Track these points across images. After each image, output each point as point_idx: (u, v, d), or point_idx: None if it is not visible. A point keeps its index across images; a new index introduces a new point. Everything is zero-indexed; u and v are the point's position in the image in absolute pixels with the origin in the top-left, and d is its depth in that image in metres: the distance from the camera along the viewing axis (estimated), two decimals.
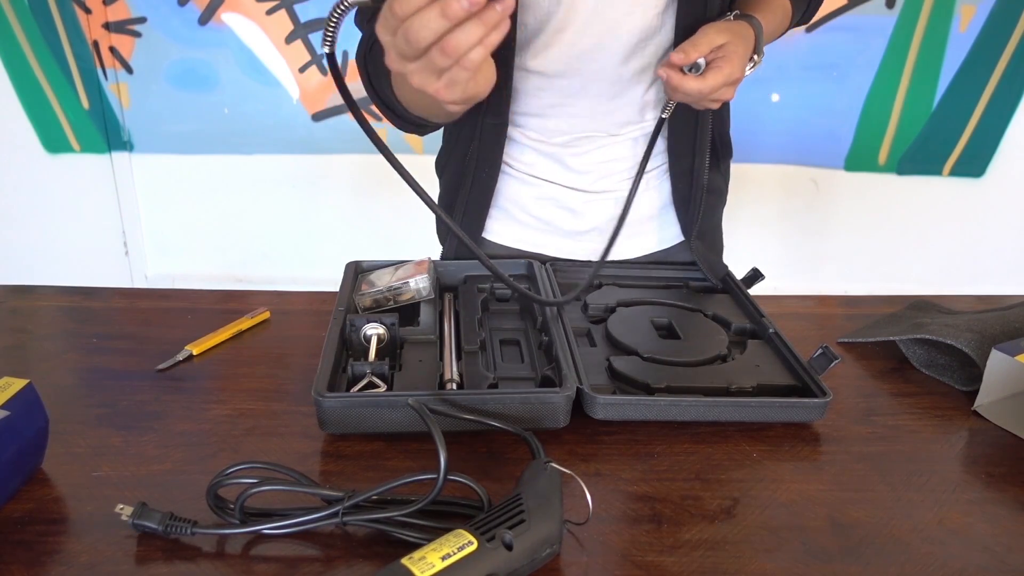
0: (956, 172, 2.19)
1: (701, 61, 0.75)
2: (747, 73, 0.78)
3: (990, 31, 2.02)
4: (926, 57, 2.06)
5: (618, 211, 0.92)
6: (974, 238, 2.27)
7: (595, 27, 0.79)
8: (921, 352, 0.77)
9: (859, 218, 2.24)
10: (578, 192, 0.90)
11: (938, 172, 2.20)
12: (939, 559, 0.52)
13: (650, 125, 0.89)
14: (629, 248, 0.95)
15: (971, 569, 0.51)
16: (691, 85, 0.74)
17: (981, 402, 0.69)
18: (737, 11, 0.81)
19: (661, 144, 0.90)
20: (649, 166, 0.91)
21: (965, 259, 2.29)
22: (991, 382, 0.68)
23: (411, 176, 0.60)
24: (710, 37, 0.75)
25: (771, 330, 0.75)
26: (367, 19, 0.78)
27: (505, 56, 0.79)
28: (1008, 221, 2.25)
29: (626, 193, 0.91)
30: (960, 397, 0.72)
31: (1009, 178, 2.19)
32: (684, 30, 0.80)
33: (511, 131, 0.87)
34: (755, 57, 0.80)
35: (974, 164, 2.18)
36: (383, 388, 0.65)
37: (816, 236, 2.26)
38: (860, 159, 2.17)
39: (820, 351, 0.68)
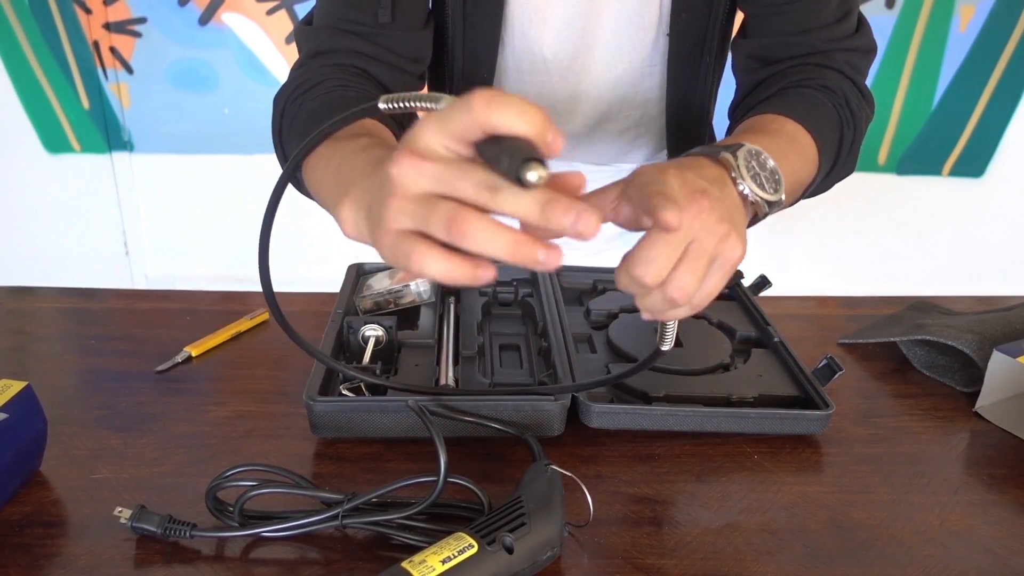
0: (956, 172, 2.19)
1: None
2: (764, 196, 0.49)
3: (990, 31, 2.02)
4: (926, 57, 2.05)
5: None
6: (974, 238, 2.27)
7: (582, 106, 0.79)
8: (922, 353, 0.77)
9: (859, 218, 2.23)
10: None
11: (938, 172, 2.20)
12: (941, 561, 0.52)
13: (625, 168, 0.90)
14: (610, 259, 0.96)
15: (973, 572, 0.51)
16: (649, 253, 0.43)
17: (982, 403, 0.69)
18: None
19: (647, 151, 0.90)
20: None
21: (965, 259, 2.29)
22: (992, 383, 0.68)
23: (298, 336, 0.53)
24: (602, 190, 0.48)
25: (776, 339, 0.74)
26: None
27: None
28: (1008, 221, 2.25)
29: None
30: (961, 398, 0.72)
31: (1009, 178, 2.19)
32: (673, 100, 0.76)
33: None
34: (725, 155, 0.49)
35: (974, 164, 2.18)
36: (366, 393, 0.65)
37: (816, 236, 2.26)
38: (860, 159, 2.16)
39: (824, 362, 0.68)
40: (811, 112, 0.62)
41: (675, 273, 0.43)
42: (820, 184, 0.66)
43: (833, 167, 0.66)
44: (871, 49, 0.70)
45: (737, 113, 0.71)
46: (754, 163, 0.50)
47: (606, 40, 0.72)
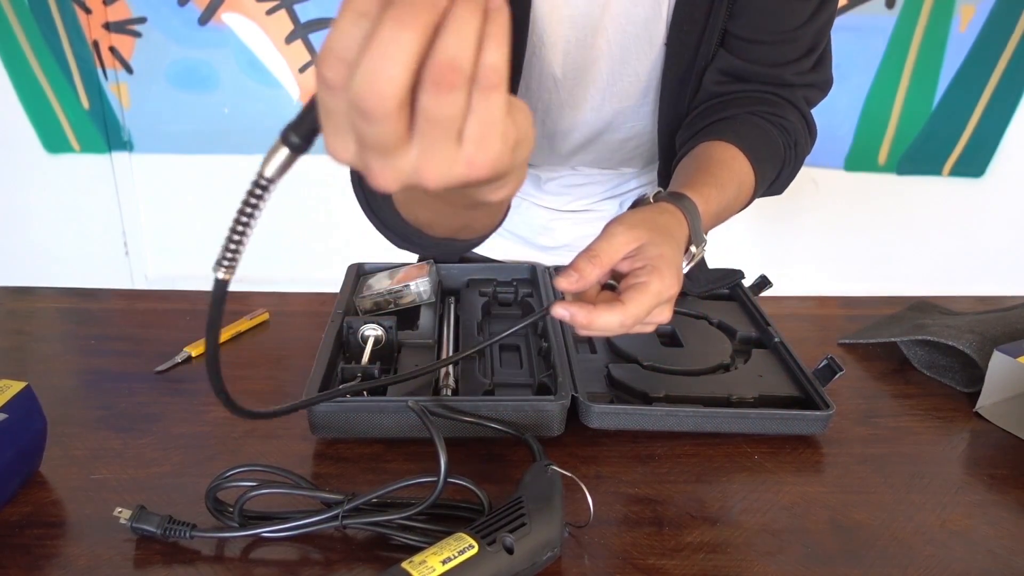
0: (956, 172, 2.19)
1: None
2: (684, 270, 0.59)
3: (990, 31, 2.01)
4: (926, 57, 2.05)
5: (591, 230, 0.93)
6: (974, 238, 2.27)
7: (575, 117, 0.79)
8: (922, 353, 0.77)
9: (859, 218, 2.23)
10: (551, 211, 0.92)
11: (938, 172, 2.19)
12: (942, 561, 0.52)
13: (626, 172, 0.90)
14: None
15: (974, 572, 0.51)
16: (606, 320, 0.51)
17: (983, 404, 0.69)
18: (660, 190, 0.63)
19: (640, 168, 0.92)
20: (624, 189, 0.92)
21: (965, 259, 2.29)
22: (993, 383, 0.68)
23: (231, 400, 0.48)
24: (616, 242, 0.54)
25: (776, 339, 0.74)
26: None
27: None
28: (1008, 221, 2.25)
29: (599, 213, 0.92)
30: (962, 398, 0.72)
31: (1009, 178, 2.19)
32: (665, 115, 0.77)
33: None
34: (692, 248, 0.59)
35: (974, 164, 2.18)
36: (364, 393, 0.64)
37: (816, 236, 2.26)
38: (860, 159, 2.16)
39: (825, 362, 0.68)
40: (762, 152, 0.70)
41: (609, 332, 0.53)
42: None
43: (753, 200, 0.73)
44: (828, 86, 0.77)
45: (698, 114, 0.75)
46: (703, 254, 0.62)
47: (611, 55, 0.74)
